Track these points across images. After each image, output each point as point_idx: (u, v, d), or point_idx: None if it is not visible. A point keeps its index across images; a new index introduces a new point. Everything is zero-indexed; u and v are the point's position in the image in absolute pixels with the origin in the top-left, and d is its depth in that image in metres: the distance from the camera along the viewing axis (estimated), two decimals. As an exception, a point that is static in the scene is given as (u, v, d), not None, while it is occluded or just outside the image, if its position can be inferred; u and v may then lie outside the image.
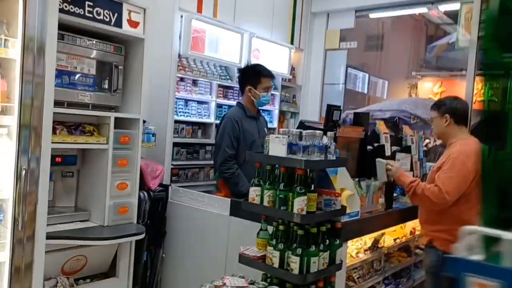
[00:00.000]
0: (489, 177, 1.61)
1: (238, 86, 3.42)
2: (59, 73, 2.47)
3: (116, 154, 2.72)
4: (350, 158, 2.76)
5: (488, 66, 1.80)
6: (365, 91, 11.83)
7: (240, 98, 3.43)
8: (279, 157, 2.03)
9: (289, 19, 4.94)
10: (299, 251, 1.97)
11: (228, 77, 4.23)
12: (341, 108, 3.14)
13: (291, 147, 2.05)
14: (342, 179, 2.35)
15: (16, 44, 1.95)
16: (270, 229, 2.12)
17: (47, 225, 2.15)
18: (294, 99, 5.15)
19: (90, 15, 2.56)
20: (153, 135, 3.17)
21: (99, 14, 2.60)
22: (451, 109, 2.65)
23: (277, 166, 2.08)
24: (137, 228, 2.79)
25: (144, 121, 2.92)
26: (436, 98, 10.95)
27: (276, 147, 2.07)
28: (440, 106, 2.70)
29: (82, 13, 2.53)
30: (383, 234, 2.82)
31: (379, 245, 2.77)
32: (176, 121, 3.73)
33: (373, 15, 5.21)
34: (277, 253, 2.02)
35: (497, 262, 1.20)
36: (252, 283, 2.06)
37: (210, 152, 4.05)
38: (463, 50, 4.41)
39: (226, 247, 2.80)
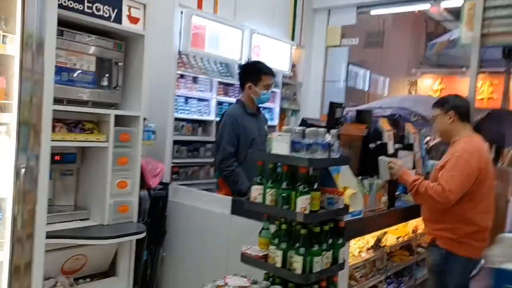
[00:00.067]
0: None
1: (238, 83, 3.39)
2: (58, 70, 2.44)
3: (116, 152, 2.69)
4: (352, 156, 2.74)
5: None
6: (366, 89, 11.81)
7: (240, 95, 3.40)
8: (282, 156, 2.01)
9: (290, 15, 4.91)
10: (302, 250, 1.95)
11: (228, 74, 4.20)
12: (344, 105, 3.11)
13: (294, 145, 2.02)
14: (345, 178, 2.33)
15: (14, 41, 1.92)
16: (272, 228, 2.10)
17: (47, 224, 2.12)
18: (294, 97, 5.12)
19: (90, 11, 2.53)
20: (153, 132, 3.14)
21: (98, 10, 2.57)
22: (455, 106, 2.63)
23: (279, 164, 2.05)
24: (137, 227, 2.77)
25: (144, 119, 2.89)
26: (436, 95, 10.95)
27: (279, 145, 2.04)
28: (444, 103, 2.68)
29: (82, 8, 2.49)
30: (385, 232, 2.80)
31: (382, 244, 2.75)
32: (176, 119, 3.70)
33: (374, 12, 5.18)
34: (279, 253, 1.99)
35: None
36: (255, 282, 2.04)
37: (211, 150, 4.02)
38: (464, 48, 4.39)
39: (227, 246, 2.78)
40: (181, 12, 3.59)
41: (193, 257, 3.02)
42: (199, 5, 3.97)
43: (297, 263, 1.94)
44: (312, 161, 1.96)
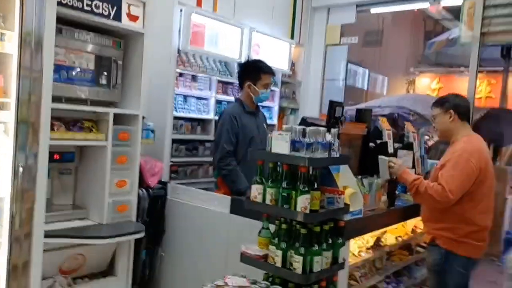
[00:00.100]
0: None
1: (237, 81, 3.37)
2: (57, 68, 2.42)
3: (115, 151, 2.68)
4: (352, 155, 2.73)
5: None
6: (365, 87, 11.82)
7: (240, 94, 3.39)
8: (282, 155, 2.00)
9: (289, 13, 4.89)
10: (302, 250, 1.94)
11: (227, 72, 4.19)
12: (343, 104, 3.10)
13: (294, 144, 2.01)
14: (345, 177, 2.32)
15: (13, 38, 1.90)
16: (271, 227, 2.09)
17: (45, 223, 2.10)
18: (293, 95, 5.11)
19: (89, 9, 2.51)
20: (152, 131, 3.12)
21: (97, 8, 2.55)
22: (455, 105, 2.63)
23: (279, 163, 2.04)
24: (136, 226, 2.75)
25: (143, 117, 2.88)
26: (434, 94, 10.96)
27: (279, 144, 2.03)
28: (444, 102, 2.67)
29: (81, 6, 2.47)
30: (385, 232, 2.80)
31: (381, 244, 2.75)
32: (175, 117, 3.69)
33: (374, 10, 5.17)
34: (279, 252, 1.98)
35: None
36: (254, 282, 2.03)
37: (210, 148, 4.01)
38: (463, 46, 4.39)
39: (226, 246, 2.77)
40: (181, 10, 3.58)
41: (192, 257, 3.01)
42: (199, 3, 3.95)
43: (297, 263, 1.93)
44: (312, 160, 1.95)
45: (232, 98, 4.01)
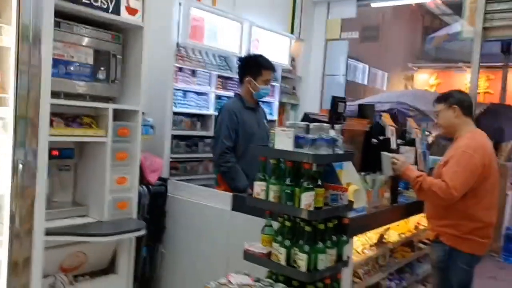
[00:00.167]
0: None
1: (237, 77, 3.33)
2: (55, 63, 2.36)
3: (115, 147, 2.64)
4: (355, 151, 2.70)
5: None
6: (365, 83, 11.80)
7: (239, 89, 3.35)
8: (286, 151, 1.97)
9: (289, 8, 4.85)
10: (306, 248, 1.92)
11: (227, 67, 4.14)
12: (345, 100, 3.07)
13: (298, 141, 1.98)
14: (348, 174, 2.29)
15: (10, 32, 1.86)
16: (274, 224, 2.07)
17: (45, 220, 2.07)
18: (294, 91, 5.07)
19: (88, 2, 2.46)
20: (152, 127, 3.09)
21: (96, 1, 2.50)
22: (459, 101, 2.61)
23: (282, 160, 2.01)
24: (137, 223, 2.72)
25: (143, 113, 2.84)
26: (432, 90, 10.96)
27: (283, 140, 2.01)
28: (448, 98, 2.65)
29: (80, -1, 2.43)
30: (388, 229, 2.78)
31: (384, 241, 2.73)
32: (175, 113, 3.64)
33: (374, 4, 5.13)
34: (283, 250, 1.96)
35: None
36: (258, 280, 2.01)
37: (209, 144, 3.97)
38: (464, 41, 4.36)
39: (227, 243, 2.74)
40: (180, 4, 3.53)
41: (193, 254, 2.98)
42: (198, -3, 3.90)
43: (302, 260, 1.91)
44: (317, 157, 1.92)
45: (231, 94, 3.97)
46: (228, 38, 3.96)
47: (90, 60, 2.59)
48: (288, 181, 1.97)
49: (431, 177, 2.52)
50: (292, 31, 4.88)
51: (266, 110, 4.03)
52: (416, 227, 3.12)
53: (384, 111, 5.29)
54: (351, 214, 2.18)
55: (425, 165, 3.17)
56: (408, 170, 2.58)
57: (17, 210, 1.87)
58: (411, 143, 3.06)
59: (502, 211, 5.26)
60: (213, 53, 4.03)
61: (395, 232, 2.89)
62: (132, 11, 2.69)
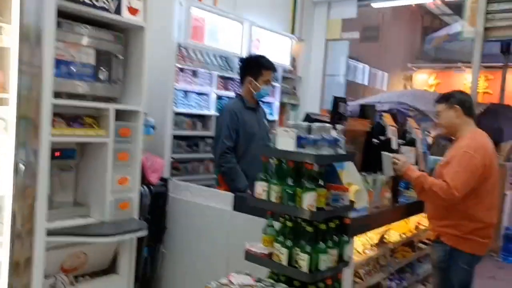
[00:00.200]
0: None
1: (238, 77, 3.34)
2: (57, 63, 2.35)
3: (116, 147, 2.63)
4: (356, 151, 2.70)
5: None
6: (365, 83, 11.80)
7: (240, 89, 3.35)
8: (288, 151, 1.97)
9: (290, 8, 4.85)
10: (308, 248, 1.92)
11: (228, 67, 4.15)
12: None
13: (300, 141, 1.98)
14: (349, 174, 2.30)
15: (11, 32, 1.85)
16: (276, 225, 2.07)
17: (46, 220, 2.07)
18: (294, 91, 5.07)
19: (89, 2, 2.45)
20: (153, 127, 3.08)
21: (98, 1, 2.49)
22: (461, 101, 2.61)
23: (284, 160, 2.02)
24: (138, 224, 2.71)
25: (144, 113, 2.84)
26: (431, 90, 10.96)
27: (284, 140, 2.01)
28: (449, 98, 2.65)
29: (81, -1, 2.42)
30: (388, 229, 2.78)
31: (385, 241, 2.73)
32: (176, 114, 3.64)
33: (375, 5, 5.13)
34: (285, 250, 1.96)
35: None
36: (259, 280, 2.01)
37: (210, 145, 3.97)
38: (464, 42, 4.36)
39: (228, 243, 2.74)
40: (180, 4, 3.53)
41: (194, 254, 2.98)
42: (199, -3, 3.91)
43: (303, 261, 1.91)
44: (319, 157, 1.93)
45: (232, 94, 3.97)
46: (229, 38, 3.96)
47: (92, 61, 2.58)
48: (289, 181, 1.97)
49: (432, 178, 2.52)
50: (292, 31, 4.88)
51: (267, 110, 4.03)
52: (416, 227, 3.12)
53: (384, 111, 5.30)
54: (352, 214, 2.18)
55: (426, 165, 3.17)
56: (409, 170, 2.58)
57: (18, 210, 1.87)
58: (411, 143, 3.06)
59: (501, 211, 5.26)
60: (214, 53, 4.03)
61: (395, 232, 2.89)
62: (133, 11, 2.69)
